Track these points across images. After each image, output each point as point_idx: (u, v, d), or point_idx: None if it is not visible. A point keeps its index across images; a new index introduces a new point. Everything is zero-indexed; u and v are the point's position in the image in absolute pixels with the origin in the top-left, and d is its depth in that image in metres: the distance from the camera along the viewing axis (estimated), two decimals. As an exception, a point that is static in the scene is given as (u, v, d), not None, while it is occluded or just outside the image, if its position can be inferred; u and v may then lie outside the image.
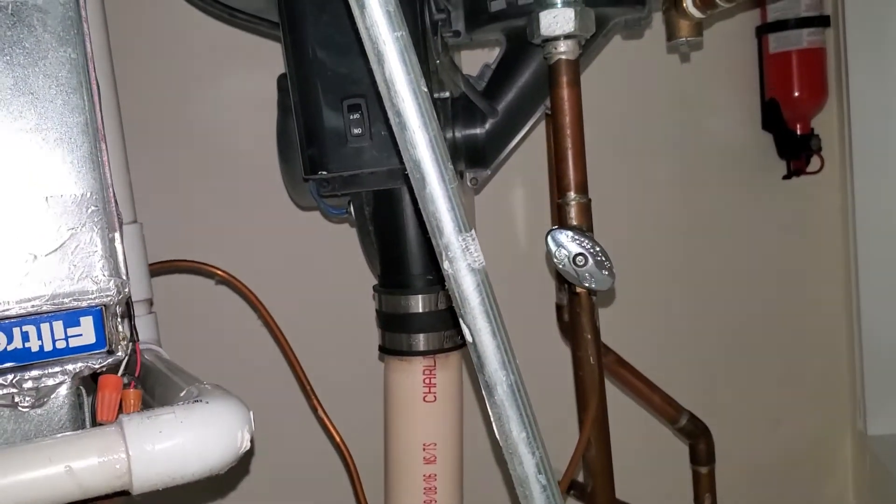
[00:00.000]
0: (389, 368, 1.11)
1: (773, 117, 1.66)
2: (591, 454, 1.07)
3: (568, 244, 0.91)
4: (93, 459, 0.63)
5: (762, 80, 1.67)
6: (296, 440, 1.29)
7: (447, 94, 1.03)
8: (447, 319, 1.07)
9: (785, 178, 1.70)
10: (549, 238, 0.92)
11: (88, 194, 0.69)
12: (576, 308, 1.02)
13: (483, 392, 0.68)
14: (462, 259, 0.66)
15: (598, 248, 0.91)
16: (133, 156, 1.02)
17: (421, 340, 1.09)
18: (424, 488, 1.09)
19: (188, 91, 1.38)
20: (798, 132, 1.66)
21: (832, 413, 1.80)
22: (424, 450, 1.08)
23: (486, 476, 1.43)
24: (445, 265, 0.66)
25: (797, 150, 1.67)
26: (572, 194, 1.04)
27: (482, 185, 1.17)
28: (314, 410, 1.14)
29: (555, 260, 0.91)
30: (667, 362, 1.55)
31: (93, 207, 0.69)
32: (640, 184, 1.65)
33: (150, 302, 1.01)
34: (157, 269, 1.07)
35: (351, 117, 0.93)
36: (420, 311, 1.09)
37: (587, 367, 1.03)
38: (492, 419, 0.68)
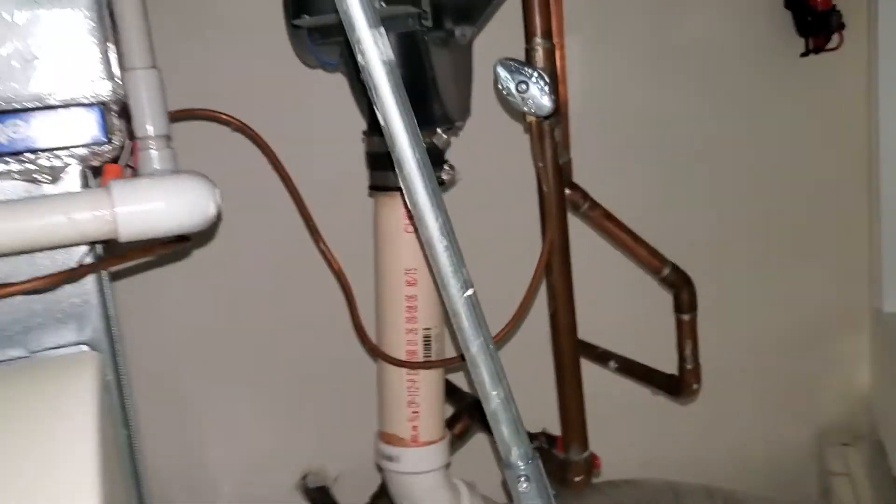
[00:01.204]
0: (377, 204, 1.25)
1: (794, -7, 1.67)
2: (553, 278, 1.19)
3: (512, 72, 1.02)
4: (87, 213, 0.81)
5: (785, -45, 1.68)
6: (300, 270, 1.48)
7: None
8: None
9: (802, 55, 1.71)
10: (497, 66, 1.02)
11: (86, 12, 0.85)
12: (532, 139, 1.13)
13: (395, 168, 0.81)
14: (373, 50, 0.78)
15: (538, 75, 1.01)
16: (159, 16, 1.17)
17: (404, 177, 1.22)
18: (406, 307, 1.23)
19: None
20: (818, 8, 1.66)
21: (849, 289, 1.83)
22: (406, 274, 1.23)
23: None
24: (359, 58, 0.79)
25: (816, 28, 1.67)
26: (538, 39, 1.13)
27: (471, 39, 1.25)
28: (317, 243, 1.30)
29: (499, 86, 1.02)
30: (683, 237, 1.60)
31: (91, 23, 0.86)
32: (657, 56, 1.69)
33: (169, 137, 1.18)
34: (177, 116, 1.24)
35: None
36: (404, 150, 1.21)
37: (543, 194, 1.14)
38: (403, 189, 0.81)
